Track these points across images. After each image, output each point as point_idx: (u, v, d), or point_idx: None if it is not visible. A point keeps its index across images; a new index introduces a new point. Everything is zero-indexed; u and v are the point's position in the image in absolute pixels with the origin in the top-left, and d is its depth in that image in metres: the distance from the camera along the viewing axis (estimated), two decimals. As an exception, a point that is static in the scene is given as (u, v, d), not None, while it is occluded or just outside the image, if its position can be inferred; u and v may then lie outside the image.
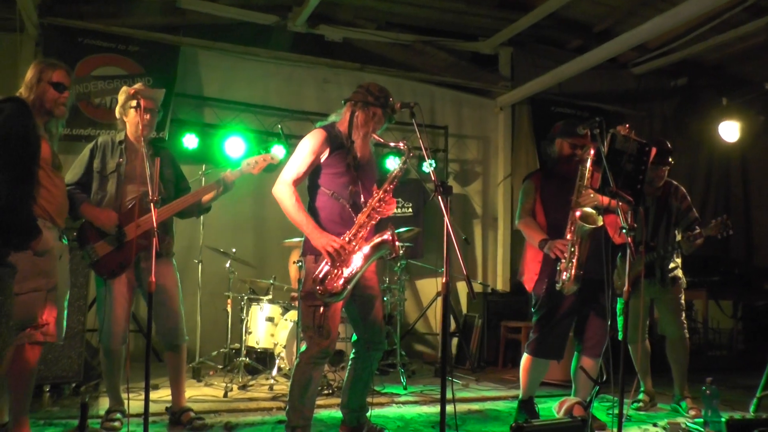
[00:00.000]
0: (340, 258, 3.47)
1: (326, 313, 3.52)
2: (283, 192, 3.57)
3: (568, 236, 4.00)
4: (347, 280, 3.48)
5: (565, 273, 3.97)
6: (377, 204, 3.59)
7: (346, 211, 3.63)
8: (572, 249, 3.95)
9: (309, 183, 3.75)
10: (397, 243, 3.54)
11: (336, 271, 3.49)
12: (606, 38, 7.24)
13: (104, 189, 4.05)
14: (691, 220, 4.94)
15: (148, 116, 4.03)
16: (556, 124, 4.42)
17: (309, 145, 3.64)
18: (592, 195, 4.00)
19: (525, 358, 4.28)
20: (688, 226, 4.95)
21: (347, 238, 3.52)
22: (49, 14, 6.44)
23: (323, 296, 3.47)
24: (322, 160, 3.66)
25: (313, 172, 3.69)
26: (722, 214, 4.83)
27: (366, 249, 3.52)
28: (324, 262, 3.50)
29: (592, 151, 4.03)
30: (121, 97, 4.09)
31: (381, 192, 3.61)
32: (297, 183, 3.62)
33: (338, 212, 3.63)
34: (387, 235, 3.52)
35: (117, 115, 4.16)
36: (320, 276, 3.49)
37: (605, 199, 4.00)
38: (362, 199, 3.66)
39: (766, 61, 8.06)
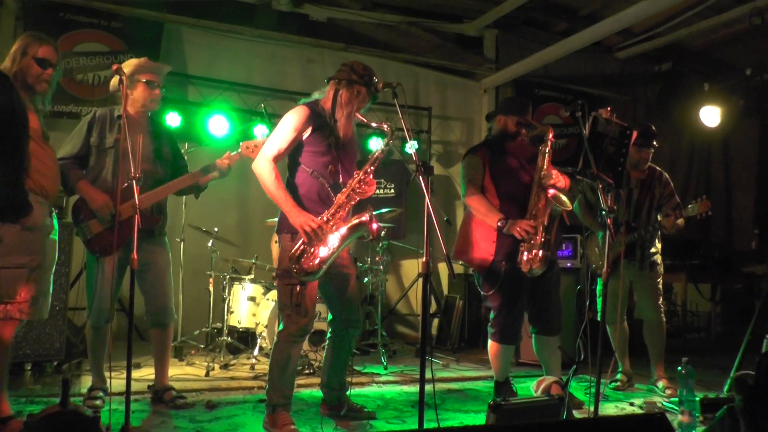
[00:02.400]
0: (317, 238, 3.47)
1: (303, 291, 3.53)
2: (263, 168, 3.55)
3: (528, 216, 4.01)
4: (323, 260, 3.49)
5: (527, 254, 3.96)
6: (357, 185, 3.58)
7: (324, 189, 3.63)
8: (541, 230, 3.95)
9: (289, 160, 3.73)
10: (374, 225, 3.51)
11: (312, 250, 3.49)
12: (591, 22, 7.25)
13: (101, 164, 3.99)
14: (673, 206, 4.99)
15: (156, 91, 4.09)
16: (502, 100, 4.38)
17: (291, 122, 3.61)
18: (554, 175, 4.02)
19: (493, 345, 4.24)
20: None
21: (325, 218, 3.52)
22: (29, -12, 6.30)
23: (299, 275, 3.48)
24: (303, 138, 3.64)
25: (294, 149, 3.67)
26: (702, 195, 4.91)
27: (343, 230, 3.52)
28: (300, 241, 3.50)
29: (551, 135, 4.06)
30: (126, 69, 3.85)
31: (361, 173, 3.60)
32: (277, 159, 3.60)
33: (317, 191, 3.63)
34: (365, 217, 3.51)
35: (116, 88, 3.96)
36: (296, 255, 3.49)
37: (567, 181, 4.05)
38: (341, 179, 3.66)
39: (749, 46, 8.12)
